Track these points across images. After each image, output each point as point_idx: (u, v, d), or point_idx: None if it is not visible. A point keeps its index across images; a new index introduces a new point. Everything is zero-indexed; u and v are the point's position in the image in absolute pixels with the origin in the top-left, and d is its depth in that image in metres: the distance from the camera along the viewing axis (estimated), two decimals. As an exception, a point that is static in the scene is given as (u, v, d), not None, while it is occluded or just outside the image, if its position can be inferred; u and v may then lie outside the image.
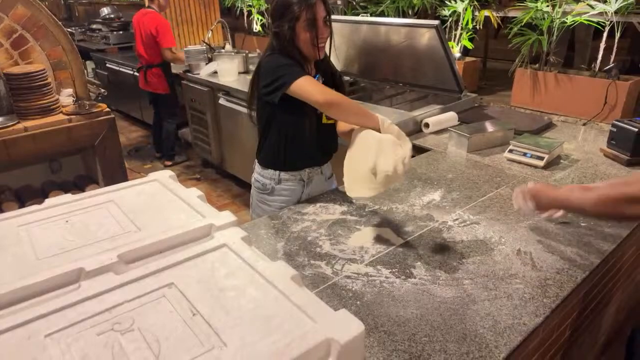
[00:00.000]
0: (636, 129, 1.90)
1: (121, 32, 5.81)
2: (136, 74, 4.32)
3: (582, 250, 1.35)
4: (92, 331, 0.59)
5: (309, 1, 1.45)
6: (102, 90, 3.20)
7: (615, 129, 1.99)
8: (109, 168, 2.89)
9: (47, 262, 0.71)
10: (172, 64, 4.04)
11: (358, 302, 1.16)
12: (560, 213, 1.25)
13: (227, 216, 0.85)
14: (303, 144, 1.64)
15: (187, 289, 0.67)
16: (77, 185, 2.95)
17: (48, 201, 0.92)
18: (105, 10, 6.16)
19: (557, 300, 1.15)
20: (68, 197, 0.94)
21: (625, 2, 2.84)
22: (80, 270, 0.69)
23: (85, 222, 0.86)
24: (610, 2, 2.85)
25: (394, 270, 1.29)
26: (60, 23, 2.88)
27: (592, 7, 2.97)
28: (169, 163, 4.35)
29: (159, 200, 0.94)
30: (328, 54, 1.69)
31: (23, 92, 2.62)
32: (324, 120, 1.67)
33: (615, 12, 2.84)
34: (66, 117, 2.73)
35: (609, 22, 2.93)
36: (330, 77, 1.70)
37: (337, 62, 3.28)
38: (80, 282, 0.68)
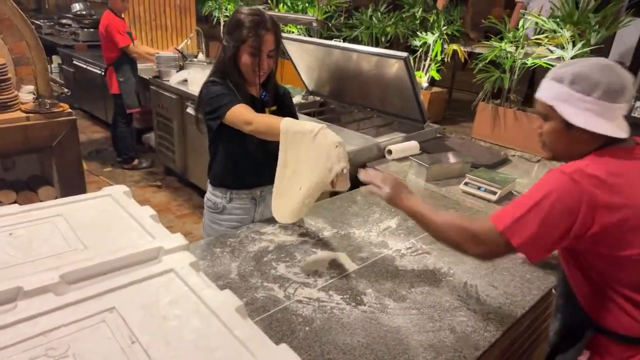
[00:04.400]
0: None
1: (92, 30, 5.66)
2: (103, 73, 4.27)
3: (524, 286, 1.42)
4: (24, 356, 0.58)
5: (259, 31, 1.48)
6: (66, 90, 3.10)
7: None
8: (66, 170, 2.79)
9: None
10: (139, 67, 4.02)
11: (307, 328, 1.17)
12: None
13: (178, 239, 0.84)
14: (250, 162, 1.66)
15: (128, 315, 0.66)
16: (30, 185, 2.84)
17: (-8, 211, 0.89)
18: (77, 6, 6.01)
19: (496, 334, 1.21)
20: (15, 207, 0.92)
21: (581, 50, 3.04)
22: (18, 289, 0.67)
23: (30, 236, 0.84)
24: (567, 49, 3.04)
25: (345, 296, 1.31)
26: (26, 17, 2.79)
27: (551, 51, 3.16)
28: (127, 166, 4.26)
29: (110, 218, 0.93)
30: (275, 76, 1.70)
31: (-21, 86, 2.51)
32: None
33: (572, 58, 3.03)
34: (24, 114, 2.64)
35: (565, 67, 3.11)
36: (279, 97, 1.72)
37: (309, 82, 3.33)
38: (17, 302, 0.66)
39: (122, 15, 3.96)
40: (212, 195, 1.75)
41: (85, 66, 5.12)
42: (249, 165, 1.67)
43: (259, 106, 1.63)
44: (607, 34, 3.06)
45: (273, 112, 1.67)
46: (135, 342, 0.61)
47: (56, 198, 2.05)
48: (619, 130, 1.03)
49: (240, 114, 1.49)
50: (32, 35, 2.87)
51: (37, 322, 0.63)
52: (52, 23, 6.34)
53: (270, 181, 1.65)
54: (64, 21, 6.15)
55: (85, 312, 0.65)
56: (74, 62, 5.33)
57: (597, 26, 2.95)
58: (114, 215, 0.93)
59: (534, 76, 4.04)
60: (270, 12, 1.61)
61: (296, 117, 1.75)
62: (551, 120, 1.09)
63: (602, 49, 4.33)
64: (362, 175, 1.39)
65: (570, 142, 1.08)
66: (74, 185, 2.85)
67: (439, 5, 4.06)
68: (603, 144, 1.06)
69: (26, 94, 2.74)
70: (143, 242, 0.83)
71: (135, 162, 4.29)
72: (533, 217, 1.02)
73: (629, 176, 1.02)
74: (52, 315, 0.64)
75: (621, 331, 1.10)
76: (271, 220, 1.71)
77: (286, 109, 1.73)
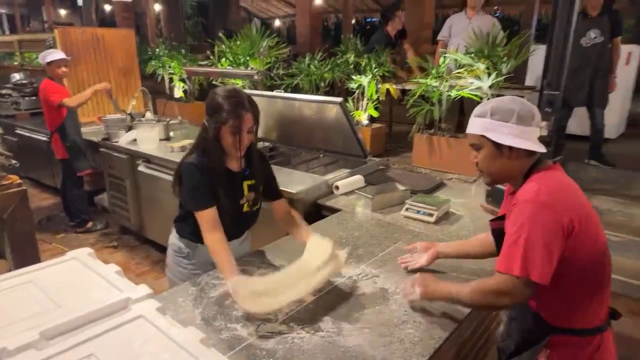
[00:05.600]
0: (505, 186, 2.28)
1: (33, 98, 5.64)
2: (47, 139, 4.26)
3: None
4: (15, 405, 0.67)
5: (238, 113, 1.61)
6: (14, 161, 3.09)
7: (490, 188, 2.36)
8: (19, 241, 2.76)
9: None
10: (84, 130, 4.06)
11: None
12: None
13: (143, 289, 0.95)
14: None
15: (106, 358, 0.76)
16: (-20, 261, 2.77)
17: (-36, 284, 0.96)
18: (17, 76, 5.99)
19: (440, 341, 1.36)
20: (-15, 279, 0.99)
21: (496, 80, 3.42)
22: (2, 349, 0.75)
23: (5, 303, 0.92)
24: (483, 79, 3.41)
25: (304, 325, 1.43)
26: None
27: (470, 83, 3.53)
28: (80, 230, 4.20)
29: (78, 278, 1.02)
30: (254, 147, 1.80)
31: None
32: (245, 209, 1.81)
33: (490, 87, 3.40)
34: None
35: (485, 95, 3.49)
36: (258, 163, 1.82)
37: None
38: (2, 361, 0.74)
39: (62, 82, 4.00)
40: (178, 240, 1.86)
41: (29, 134, 5.07)
42: None
43: (238, 180, 1.75)
44: (516, 63, 3.46)
45: (250, 186, 1.79)
46: (115, 379, 0.71)
47: (9, 271, 2.05)
48: (539, 146, 1.28)
49: (204, 222, 1.63)
50: (-24, 111, 2.89)
51: (24, 375, 0.71)
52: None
53: (230, 238, 1.74)
54: (3, 91, 6.09)
55: (66, 361, 0.75)
56: (17, 131, 5.26)
57: (505, 58, 3.35)
58: (81, 276, 1.02)
59: (462, 105, 4.43)
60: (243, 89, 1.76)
61: (275, 181, 1.89)
62: (483, 148, 1.33)
63: (517, 76, 4.84)
64: (406, 300, 1.51)
65: (503, 163, 1.32)
66: (27, 255, 2.81)
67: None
68: (530, 166, 1.30)
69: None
70: (112, 296, 0.93)
71: (89, 224, 4.25)
72: (533, 251, 1.17)
73: (568, 190, 1.26)
74: (37, 368, 0.73)
75: (578, 326, 1.27)
76: (230, 265, 1.81)
77: (263, 177, 1.83)
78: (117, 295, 0.93)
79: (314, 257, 1.59)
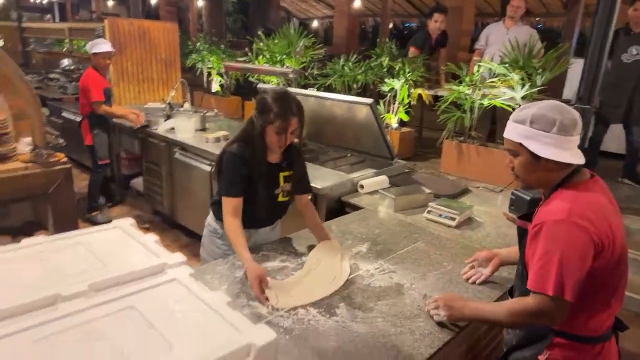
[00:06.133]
0: (528, 197, 2.29)
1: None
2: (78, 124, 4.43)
3: (476, 296, 1.64)
4: (69, 339, 0.78)
5: (285, 116, 1.71)
6: (61, 140, 3.31)
7: (514, 197, 2.38)
8: (61, 215, 2.96)
9: (32, 288, 0.89)
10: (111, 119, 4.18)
11: (287, 337, 1.37)
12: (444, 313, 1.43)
13: (178, 257, 1.05)
14: (254, 212, 1.88)
15: (144, 311, 0.86)
16: (25, 231, 2.98)
17: (24, 241, 1.09)
18: (65, 62, 6.33)
19: (450, 335, 1.41)
20: (42, 238, 1.12)
21: (529, 91, 3.41)
22: (56, 295, 0.87)
23: (58, 259, 1.04)
24: (517, 90, 3.41)
25: (320, 310, 1.51)
26: (26, 78, 3.04)
27: (503, 93, 3.53)
28: (88, 215, 4.20)
29: (121, 243, 1.13)
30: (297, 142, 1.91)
31: (-19, 140, 2.72)
32: (280, 198, 1.92)
33: (522, 98, 3.39)
34: (23, 164, 2.83)
35: (517, 105, 3.48)
36: (295, 157, 1.93)
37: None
38: (57, 305, 0.85)
39: (105, 73, 4.10)
40: (214, 222, 1.99)
41: (73, 117, 5.35)
42: (251, 214, 1.86)
43: (275, 171, 1.87)
44: (551, 76, 3.43)
45: (286, 177, 1.90)
46: (152, 327, 0.81)
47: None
48: (577, 158, 1.26)
49: (228, 207, 1.75)
50: (30, 93, 3.12)
51: (75, 317, 0.82)
52: (41, 77, 6.62)
53: (265, 225, 1.97)
54: (52, 75, 6.45)
55: (111, 310, 0.85)
56: (62, 113, 5.56)
57: (540, 70, 3.33)
58: (124, 242, 1.14)
59: (494, 114, 4.41)
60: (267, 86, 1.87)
61: (306, 176, 2.00)
62: (520, 155, 1.31)
63: (553, 88, 4.76)
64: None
65: (540, 173, 1.30)
66: (68, 229, 3.00)
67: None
68: (566, 175, 1.29)
69: (24, 146, 2.95)
70: (150, 260, 1.04)
71: (94, 213, 4.22)
72: (566, 270, 1.18)
73: (606, 205, 1.26)
74: (86, 312, 0.84)
75: (582, 333, 1.29)
76: (255, 250, 1.92)
77: (298, 170, 1.94)
78: (155, 260, 1.04)
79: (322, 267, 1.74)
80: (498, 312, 1.35)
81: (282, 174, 1.90)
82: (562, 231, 1.20)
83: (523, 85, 3.42)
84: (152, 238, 1.15)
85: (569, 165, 1.28)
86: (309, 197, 2.03)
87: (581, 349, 1.31)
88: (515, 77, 3.42)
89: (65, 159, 2.95)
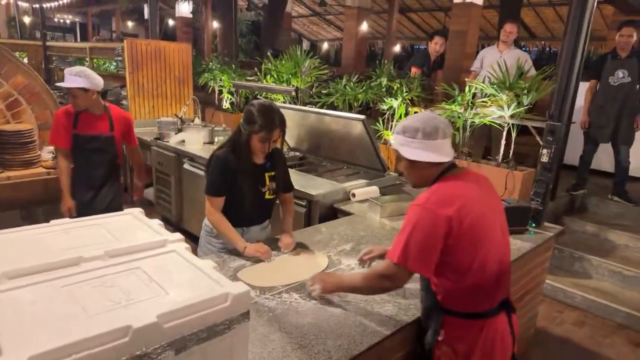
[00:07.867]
0: (506, 205, 2.49)
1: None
2: None
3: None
4: (88, 287, 1.00)
5: (268, 127, 1.96)
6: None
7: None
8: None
9: (60, 252, 1.12)
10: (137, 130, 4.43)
11: (270, 314, 1.58)
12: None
13: (177, 236, 1.28)
14: (243, 211, 2.11)
15: (147, 270, 1.09)
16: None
17: (52, 222, 1.33)
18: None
19: (413, 317, 1.61)
20: (67, 220, 1.36)
21: (517, 110, 3.63)
22: (80, 257, 1.10)
23: (82, 235, 1.27)
24: (504, 109, 3.63)
25: (302, 295, 1.72)
26: (52, 92, 3.36)
27: (493, 112, 3.75)
28: None
29: (131, 226, 1.36)
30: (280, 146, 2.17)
31: (11, 147, 3.01)
32: (267, 196, 2.16)
33: (511, 117, 3.61)
34: (45, 170, 3.11)
35: (506, 124, 3.69)
36: (277, 159, 2.18)
37: (290, 140, 3.87)
38: (80, 264, 1.09)
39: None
40: (209, 222, 2.20)
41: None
42: (240, 213, 2.11)
43: (261, 171, 2.11)
44: (538, 96, 3.65)
45: (271, 177, 2.15)
46: (153, 281, 1.04)
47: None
48: (443, 157, 1.46)
49: (211, 205, 2.04)
50: (55, 105, 3.43)
51: (93, 272, 1.05)
52: (62, 93, 7.01)
53: (255, 224, 2.20)
54: (73, 91, 6.82)
55: (121, 269, 1.08)
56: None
57: (525, 91, 3.55)
58: (134, 224, 1.37)
59: (490, 133, 4.63)
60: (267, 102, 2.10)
61: (288, 176, 2.26)
62: (402, 160, 1.55)
63: (548, 107, 4.95)
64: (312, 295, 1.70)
65: (417, 172, 1.53)
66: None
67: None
68: (442, 171, 1.49)
69: (47, 153, 3.24)
70: (154, 237, 1.27)
71: None
72: (412, 245, 1.39)
73: (466, 195, 1.45)
74: (102, 270, 1.07)
75: (462, 310, 1.48)
76: (250, 246, 2.13)
77: (280, 170, 2.19)
78: (159, 237, 1.27)
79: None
80: (356, 278, 1.58)
81: (267, 174, 2.14)
82: (415, 214, 1.42)
83: (511, 105, 3.64)
84: (157, 222, 1.38)
85: (439, 163, 1.48)
86: (292, 195, 2.30)
87: (465, 324, 1.48)
88: (503, 97, 3.65)
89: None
